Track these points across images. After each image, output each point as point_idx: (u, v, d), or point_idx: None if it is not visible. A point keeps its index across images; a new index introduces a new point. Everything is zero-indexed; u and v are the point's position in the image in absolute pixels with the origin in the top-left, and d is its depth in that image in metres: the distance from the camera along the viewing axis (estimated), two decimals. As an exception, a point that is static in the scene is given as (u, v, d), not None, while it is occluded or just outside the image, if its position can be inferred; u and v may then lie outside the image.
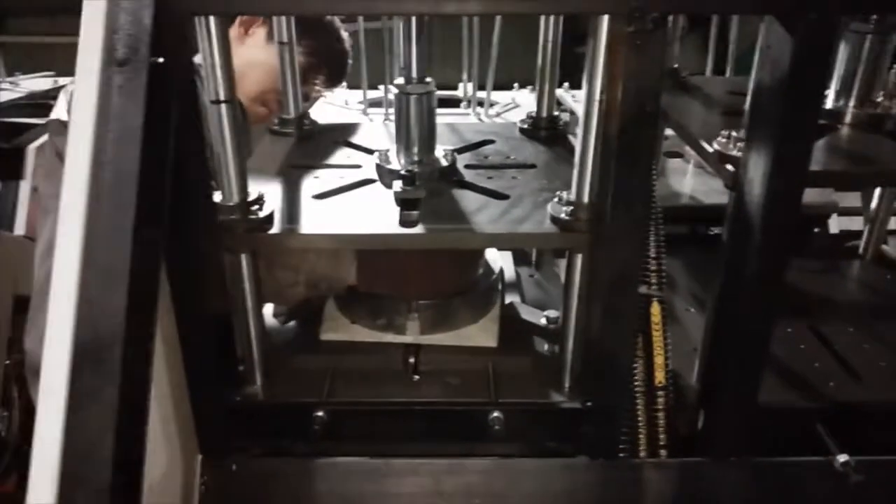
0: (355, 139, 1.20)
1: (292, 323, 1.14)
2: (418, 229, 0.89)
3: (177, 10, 0.71)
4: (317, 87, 1.58)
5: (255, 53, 1.43)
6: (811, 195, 1.48)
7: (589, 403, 0.94)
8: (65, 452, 0.63)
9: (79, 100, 0.67)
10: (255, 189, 0.91)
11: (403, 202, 0.93)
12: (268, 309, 1.13)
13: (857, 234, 1.41)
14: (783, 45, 0.71)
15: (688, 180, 1.52)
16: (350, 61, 1.60)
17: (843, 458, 0.88)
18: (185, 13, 0.72)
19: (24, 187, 2.05)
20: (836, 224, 1.64)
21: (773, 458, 0.93)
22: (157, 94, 0.69)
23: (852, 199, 1.58)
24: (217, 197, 0.87)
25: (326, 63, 1.51)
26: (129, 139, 0.66)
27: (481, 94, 1.75)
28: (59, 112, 1.44)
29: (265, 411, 0.99)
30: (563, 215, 0.88)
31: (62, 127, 1.44)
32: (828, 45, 0.70)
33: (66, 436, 0.63)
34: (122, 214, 0.66)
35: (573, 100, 1.65)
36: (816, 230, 1.49)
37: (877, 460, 0.90)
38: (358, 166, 1.09)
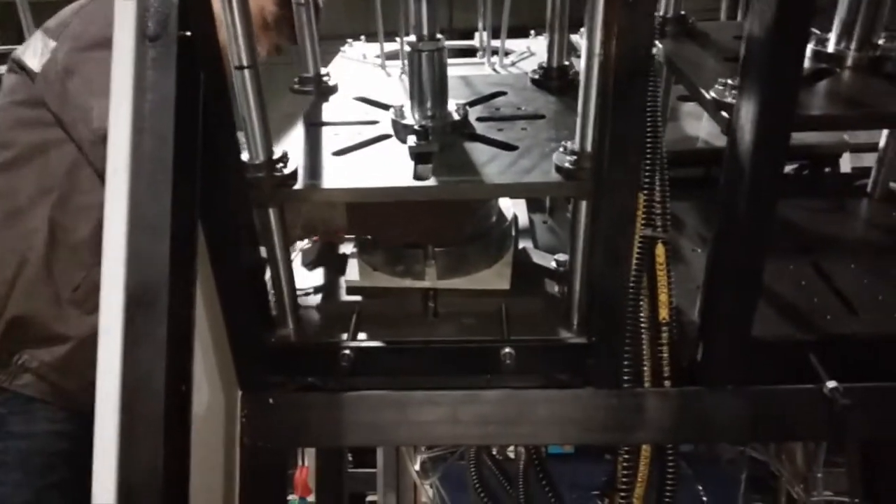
0: (372, 95, 1.25)
1: (319, 270, 1.22)
2: (430, 182, 0.95)
3: (200, -15, 0.76)
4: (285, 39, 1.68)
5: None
6: (821, 135, 1.51)
7: (594, 339, 1.00)
8: (123, 386, 0.73)
9: (116, 74, 0.74)
10: (279, 147, 0.97)
11: (417, 156, 0.99)
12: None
13: (868, 173, 1.42)
14: (769, -4, 0.74)
15: (703, 124, 1.53)
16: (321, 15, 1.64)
17: (831, 384, 0.94)
18: (208, -12, 0.78)
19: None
20: (848, 162, 1.65)
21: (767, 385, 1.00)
22: (186, 64, 0.76)
23: (868, 135, 1.58)
24: (245, 156, 0.94)
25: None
26: (164, 108, 0.73)
27: (496, 43, 1.76)
28: (26, 54, 1.45)
29: (297, 351, 1.07)
30: (567, 164, 0.92)
31: (15, 65, 1.46)
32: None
33: (123, 372, 0.73)
34: (161, 175, 0.73)
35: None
36: (827, 169, 1.51)
37: (863, 387, 0.95)
38: (375, 122, 1.15)
